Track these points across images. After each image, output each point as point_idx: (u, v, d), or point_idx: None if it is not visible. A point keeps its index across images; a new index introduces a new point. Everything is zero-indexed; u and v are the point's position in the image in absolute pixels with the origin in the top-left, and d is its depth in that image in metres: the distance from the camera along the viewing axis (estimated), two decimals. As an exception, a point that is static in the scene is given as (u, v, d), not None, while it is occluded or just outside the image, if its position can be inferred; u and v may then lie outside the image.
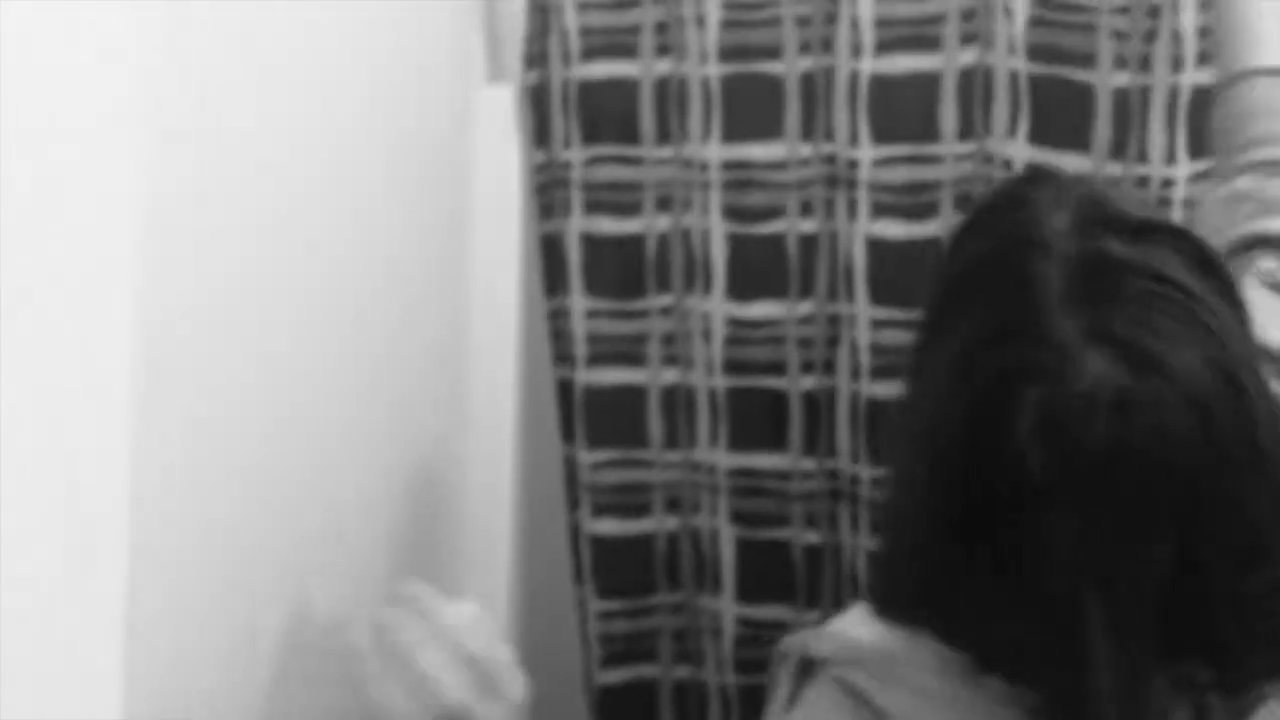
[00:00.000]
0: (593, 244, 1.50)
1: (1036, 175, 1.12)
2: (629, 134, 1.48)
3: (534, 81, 1.48)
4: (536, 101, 1.48)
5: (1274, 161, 1.28)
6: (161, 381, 0.80)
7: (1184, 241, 0.93)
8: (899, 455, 1.01)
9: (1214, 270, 0.93)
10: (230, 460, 0.92)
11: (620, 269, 1.51)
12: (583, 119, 1.48)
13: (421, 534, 1.34)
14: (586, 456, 1.52)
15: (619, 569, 1.55)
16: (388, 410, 1.24)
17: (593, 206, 1.49)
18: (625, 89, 1.47)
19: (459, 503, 1.44)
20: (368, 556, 1.20)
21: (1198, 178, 1.37)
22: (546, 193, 1.49)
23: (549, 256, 1.51)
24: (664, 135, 1.48)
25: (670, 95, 1.47)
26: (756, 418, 1.51)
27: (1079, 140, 1.39)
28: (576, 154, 1.48)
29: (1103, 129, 1.38)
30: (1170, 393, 0.86)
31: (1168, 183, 1.38)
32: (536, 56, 1.47)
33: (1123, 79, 1.37)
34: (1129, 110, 1.38)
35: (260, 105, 0.94)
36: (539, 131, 1.49)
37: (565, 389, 1.52)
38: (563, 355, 1.52)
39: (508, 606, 1.46)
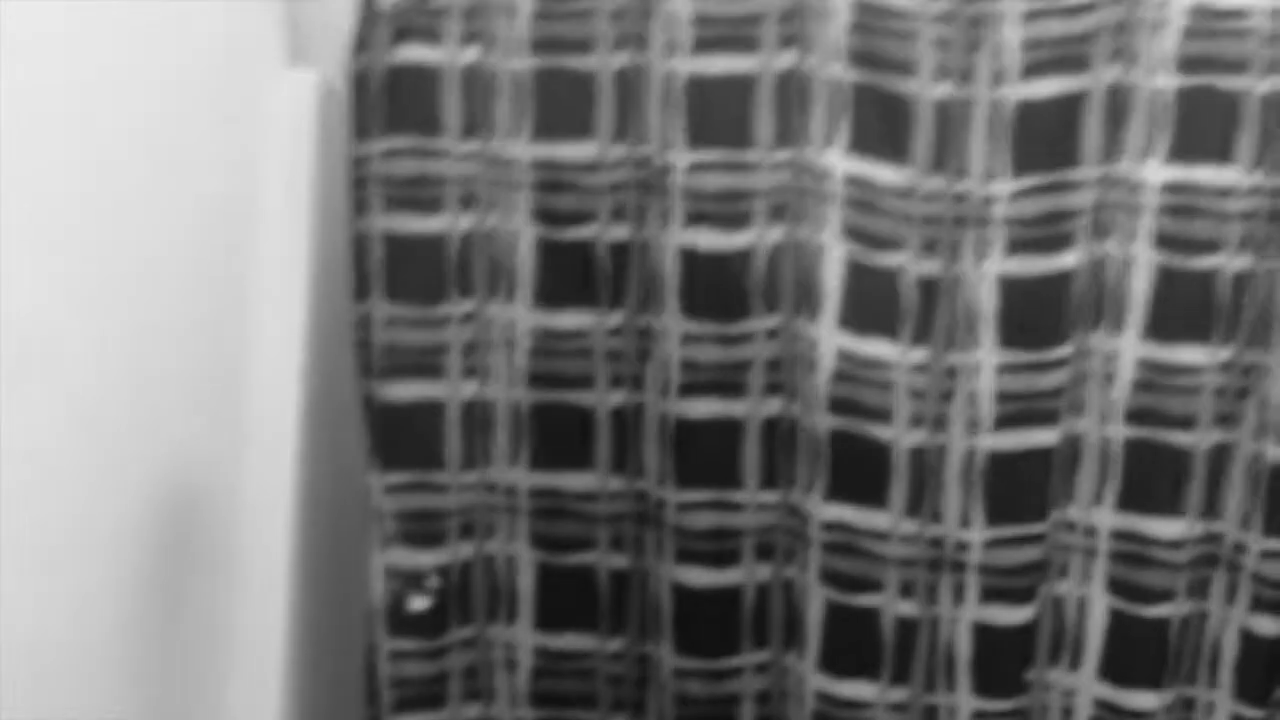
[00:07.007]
0: (394, 244, 1.40)
1: None
2: (431, 126, 1.38)
3: (358, 67, 1.37)
4: (359, 89, 1.38)
5: None
6: None
7: None
8: None
9: None
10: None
11: (421, 272, 1.41)
12: (389, 108, 1.38)
13: (184, 564, 1.25)
14: (379, 480, 1.43)
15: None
16: (141, 426, 1.14)
17: (394, 203, 1.39)
18: (427, 76, 1.38)
19: (233, 529, 1.35)
20: (110, 595, 1.10)
21: (1020, 195, 1.32)
22: (357, 188, 1.39)
23: (357, 258, 1.41)
24: (470, 128, 1.38)
25: (477, 86, 1.37)
26: (560, 435, 1.43)
27: (897, 152, 1.33)
28: (378, 146, 1.38)
29: (922, 141, 1.33)
30: None
31: (988, 200, 1.33)
32: (361, 40, 1.37)
33: (944, 90, 1.32)
34: (949, 123, 1.32)
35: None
36: (358, 121, 1.38)
37: (367, 405, 1.42)
38: (365, 367, 1.42)
39: (285, 643, 1.37)
